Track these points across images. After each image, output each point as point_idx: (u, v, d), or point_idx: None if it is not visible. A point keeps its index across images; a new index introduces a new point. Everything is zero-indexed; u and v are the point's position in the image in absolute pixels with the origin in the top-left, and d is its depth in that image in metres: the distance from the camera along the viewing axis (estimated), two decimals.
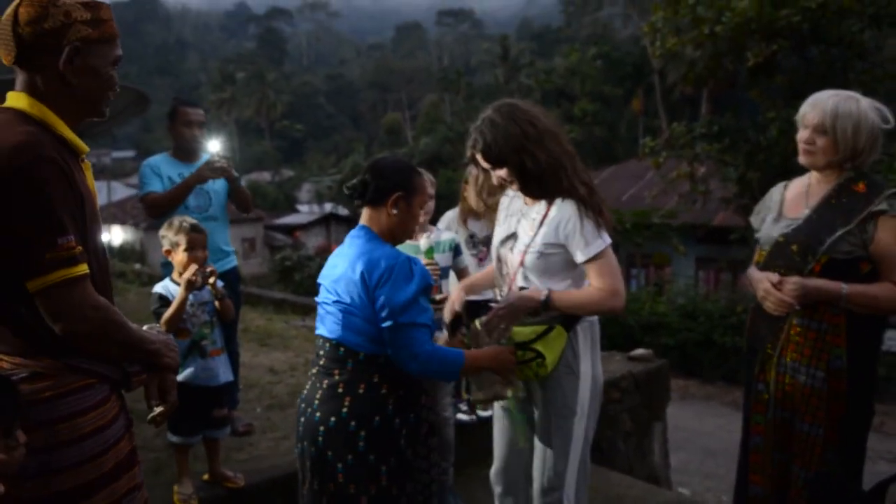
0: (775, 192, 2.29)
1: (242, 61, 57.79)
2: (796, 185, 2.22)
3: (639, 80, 31.31)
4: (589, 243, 1.95)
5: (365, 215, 1.97)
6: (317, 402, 1.89)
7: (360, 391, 1.84)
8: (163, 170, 3.29)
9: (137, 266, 13.01)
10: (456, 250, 3.00)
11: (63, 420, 1.37)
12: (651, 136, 13.71)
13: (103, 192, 30.69)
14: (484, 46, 53.34)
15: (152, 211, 3.23)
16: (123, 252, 22.61)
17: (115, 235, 25.85)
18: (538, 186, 2.01)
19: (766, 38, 9.02)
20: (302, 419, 1.93)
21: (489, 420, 3.22)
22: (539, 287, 2.02)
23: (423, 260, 2.74)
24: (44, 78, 1.41)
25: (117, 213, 26.50)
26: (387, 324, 1.81)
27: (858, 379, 1.99)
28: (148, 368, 1.53)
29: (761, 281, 2.06)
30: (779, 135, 8.87)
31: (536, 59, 40.66)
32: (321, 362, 1.93)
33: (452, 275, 3.06)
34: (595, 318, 2.09)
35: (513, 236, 2.11)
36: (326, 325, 1.93)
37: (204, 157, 3.34)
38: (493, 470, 2.24)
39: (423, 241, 2.85)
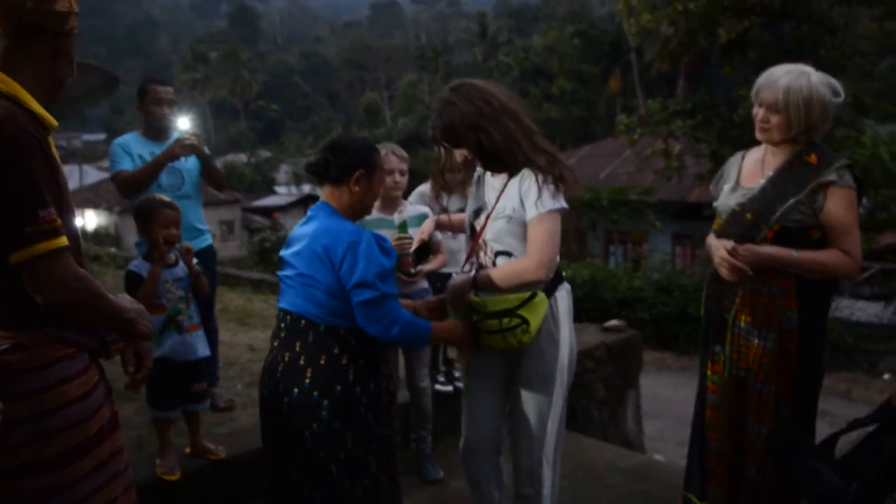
0: (733, 163, 2.37)
1: (215, 40, 56.64)
2: (753, 155, 2.30)
3: (616, 59, 31.39)
4: (542, 200, 1.96)
5: (326, 192, 2.02)
6: (279, 374, 1.93)
7: (322, 362, 1.90)
8: (133, 148, 3.28)
9: (113, 250, 12.88)
10: None
11: (48, 389, 1.42)
12: (629, 113, 13.80)
13: (75, 176, 30.05)
14: (462, 24, 52.96)
15: (124, 190, 3.22)
16: (98, 236, 22.29)
17: (88, 220, 25.45)
18: (497, 162, 2.06)
19: (738, 14, 9.12)
20: (265, 391, 1.98)
21: None
22: (513, 251, 2.07)
23: (397, 234, 2.79)
24: (31, 56, 1.45)
25: (90, 197, 26.05)
26: (367, 295, 1.86)
27: (808, 339, 2.10)
28: (123, 337, 1.57)
29: (717, 248, 2.15)
30: (751, 111, 8.97)
31: (514, 37, 40.44)
32: (282, 335, 1.97)
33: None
34: (568, 287, 2.16)
35: (482, 207, 2.17)
36: (287, 299, 1.98)
37: (175, 136, 3.33)
38: (461, 444, 2.27)
39: (396, 216, 2.90)
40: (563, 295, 2.10)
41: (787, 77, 2.09)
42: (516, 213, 2.03)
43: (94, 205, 25.86)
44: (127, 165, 3.22)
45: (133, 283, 2.51)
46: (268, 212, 30.10)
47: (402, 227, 2.82)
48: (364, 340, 1.92)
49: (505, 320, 2.00)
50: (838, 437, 1.91)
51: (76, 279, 1.41)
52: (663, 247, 15.79)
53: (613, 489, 3.13)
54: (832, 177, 2.04)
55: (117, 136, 3.44)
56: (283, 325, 1.99)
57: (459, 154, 2.10)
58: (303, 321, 1.93)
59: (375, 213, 2.97)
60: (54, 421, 1.42)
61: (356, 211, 2.03)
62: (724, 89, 11.02)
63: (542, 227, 1.97)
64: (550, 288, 2.05)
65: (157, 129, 3.34)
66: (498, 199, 2.09)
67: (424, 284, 3.01)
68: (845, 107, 8.99)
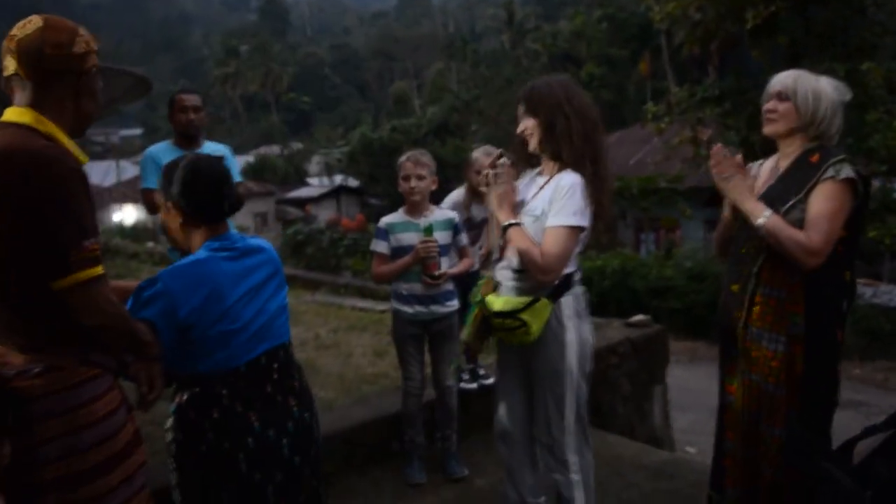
0: (752, 169, 2.40)
1: (246, 34, 57.31)
2: (768, 164, 2.34)
3: (645, 42, 30.79)
4: (564, 212, 2.07)
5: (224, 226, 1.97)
6: (297, 405, 1.86)
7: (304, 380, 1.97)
8: (163, 159, 3.37)
9: (150, 244, 13.19)
10: (455, 229, 3.10)
11: (80, 407, 1.51)
12: (660, 97, 13.58)
13: (112, 172, 30.80)
14: (489, 12, 52.55)
15: (151, 208, 3.32)
16: (136, 232, 22.82)
17: (127, 215, 26.00)
18: (553, 146, 2.16)
19: None
20: (285, 440, 1.80)
21: (490, 388, 3.38)
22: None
23: (423, 237, 2.86)
24: (56, 96, 1.54)
25: (128, 192, 26.56)
26: None
27: (816, 344, 2.10)
28: (138, 358, 1.66)
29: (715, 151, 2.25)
30: None
31: (542, 22, 40.03)
32: (275, 376, 1.84)
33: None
34: (580, 290, 2.23)
35: (521, 203, 2.25)
36: (275, 333, 1.87)
37: (204, 145, 3.44)
38: (495, 430, 2.42)
39: (422, 220, 2.97)
40: (570, 300, 2.18)
41: (795, 72, 2.17)
42: (543, 216, 2.12)
43: (133, 200, 26.33)
44: (154, 183, 3.32)
45: None
46: (301, 203, 30.46)
47: (428, 230, 2.88)
48: None
49: (508, 321, 2.11)
50: (855, 442, 1.92)
51: (111, 304, 1.50)
52: (695, 234, 15.57)
53: (637, 487, 3.16)
54: (829, 173, 2.06)
55: (153, 131, 3.58)
56: (275, 365, 1.84)
57: (521, 126, 2.20)
58: (290, 348, 1.95)
59: (402, 217, 3.04)
60: (85, 437, 1.51)
61: None
62: (754, 74, 10.78)
63: (562, 238, 2.07)
64: (556, 293, 2.15)
65: (186, 137, 3.46)
66: (534, 196, 2.19)
67: (449, 287, 3.07)
68: (878, 89, 8.72)
